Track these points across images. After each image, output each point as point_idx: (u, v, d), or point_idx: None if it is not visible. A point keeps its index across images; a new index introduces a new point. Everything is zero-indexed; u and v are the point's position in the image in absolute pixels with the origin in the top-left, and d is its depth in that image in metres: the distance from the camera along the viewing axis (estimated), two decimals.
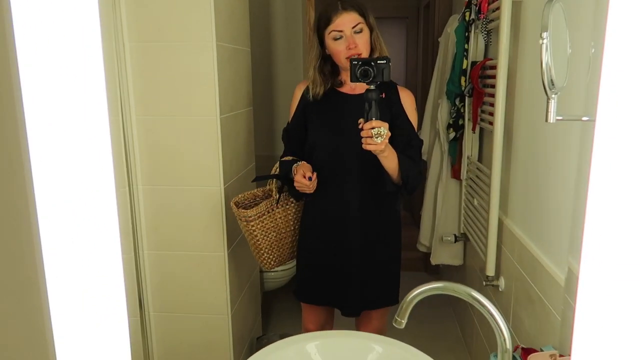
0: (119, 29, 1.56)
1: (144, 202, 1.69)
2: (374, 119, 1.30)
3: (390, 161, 1.41)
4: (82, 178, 0.64)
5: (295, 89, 1.64)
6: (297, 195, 1.57)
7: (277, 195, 1.62)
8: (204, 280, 1.75)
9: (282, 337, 2.21)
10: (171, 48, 1.59)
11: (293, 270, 2.52)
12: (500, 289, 1.73)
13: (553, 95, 0.89)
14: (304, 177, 1.44)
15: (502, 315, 0.72)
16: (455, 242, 2.31)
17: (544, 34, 0.82)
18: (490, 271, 1.75)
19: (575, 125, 1.15)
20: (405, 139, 1.51)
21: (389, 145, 1.36)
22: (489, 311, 0.71)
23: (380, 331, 1.69)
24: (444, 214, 2.39)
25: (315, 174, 1.47)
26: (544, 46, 0.82)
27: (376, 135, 1.29)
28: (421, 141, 1.60)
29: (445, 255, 2.42)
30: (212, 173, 1.67)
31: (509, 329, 0.72)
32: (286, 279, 2.50)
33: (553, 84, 0.88)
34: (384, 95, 1.44)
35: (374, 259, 1.60)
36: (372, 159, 1.39)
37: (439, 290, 0.77)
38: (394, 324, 0.82)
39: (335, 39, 1.46)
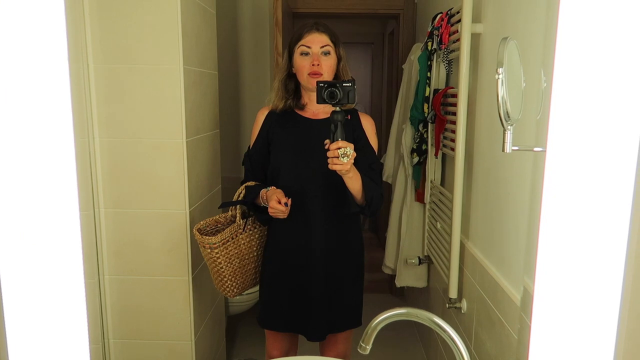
0: (84, 50, 1.55)
1: (105, 225, 1.66)
2: (340, 139, 1.33)
3: (354, 182, 1.43)
4: (45, 202, 0.63)
5: (258, 114, 1.66)
6: (265, 220, 1.58)
7: (242, 221, 1.61)
8: (167, 305, 1.71)
9: None
10: (137, 70, 1.59)
11: (257, 294, 2.50)
12: (462, 311, 1.77)
13: (509, 127, 0.93)
14: (279, 203, 1.44)
15: (462, 339, 0.75)
16: (419, 264, 2.34)
17: (500, 70, 0.86)
18: (453, 293, 1.79)
19: (529, 154, 1.21)
20: (367, 162, 1.54)
21: (354, 166, 1.39)
22: (450, 336, 0.73)
23: (345, 354, 1.69)
24: (408, 237, 2.43)
25: (290, 199, 1.47)
26: (499, 81, 0.87)
27: (342, 155, 1.32)
28: (381, 164, 1.64)
29: (409, 277, 2.45)
30: (177, 196, 1.66)
31: (469, 352, 0.74)
32: (251, 302, 2.47)
33: (509, 116, 0.92)
34: (349, 117, 1.49)
35: (338, 281, 1.60)
36: (336, 181, 1.42)
37: (403, 316, 0.79)
38: (358, 350, 0.84)
39: (302, 54, 1.52)
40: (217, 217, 1.66)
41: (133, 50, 1.57)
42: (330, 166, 1.34)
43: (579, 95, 0.58)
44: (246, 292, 2.32)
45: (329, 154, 1.34)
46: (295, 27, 2.91)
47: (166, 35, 1.57)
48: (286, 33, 2.52)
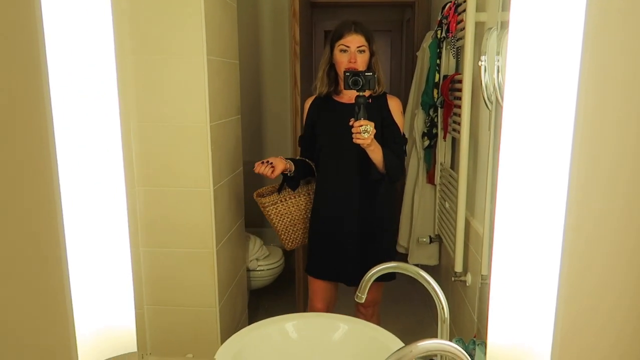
0: (126, 42, 1.71)
1: (138, 202, 1.83)
2: (362, 118, 1.62)
3: (376, 154, 1.72)
4: (96, 180, 0.78)
5: (305, 104, 2.03)
6: (292, 185, 1.98)
7: (281, 187, 2.01)
8: (194, 275, 1.88)
9: None
10: (165, 60, 1.74)
11: (278, 269, 2.67)
12: (467, 284, 1.89)
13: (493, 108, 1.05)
14: (262, 163, 1.84)
15: (441, 289, 0.88)
16: (430, 243, 2.46)
17: (483, 57, 0.98)
18: (458, 267, 1.91)
19: None
20: (391, 137, 1.85)
21: (375, 140, 1.68)
22: (431, 286, 0.86)
23: (376, 301, 2.00)
24: (420, 217, 2.55)
25: (272, 162, 1.85)
26: (482, 67, 0.98)
27: (364, 132, 1.62)
28: (405, 139, 1.91)
29: (421, 255, 2.57)
30: (203, 176, 1.82)
31: (447, 300, 0.87)
32: (271, 278, 2.64)
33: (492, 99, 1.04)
34: (370, 101, 1.77)
35: (370, 236, 1.91)
36: (364, 153, 1.71)
37: (393, 269, 0.93)
38: (355, 299, 0.98)
39: (342, 51, 1.83)
40: (275, 185, 2.06)
41: (160, 42, 1.73)
42: (354, 140, 1.64)
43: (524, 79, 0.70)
44: (267, 267, 2.56)
45: (353, 130, 1.64)
46: (316, 19, 3.04)
47: (191, 28, 1.71)
48: (305, 23, 2.64)
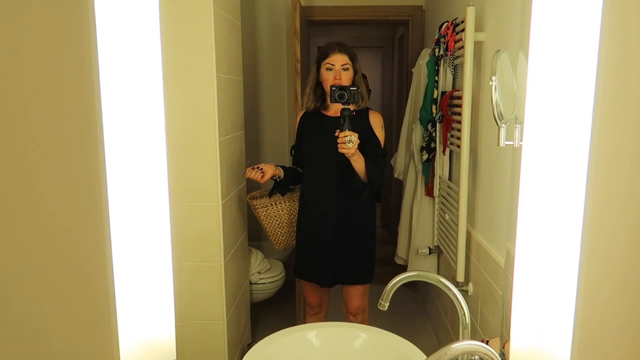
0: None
1: None
2: (347, 130, 1.74)
3: (358, 163, 1.84)
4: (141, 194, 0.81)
5: (297, 117, 2.18)
6: (281, 191, 2.13)
7: (272, 192, 2.17)
8: (202, 288, 1.91)
9: None
10: (176, 79, 1.78)
11: (279, 282, 2.70)
12: (469, 294, 1.94)
13: (502, 125, 1.11)
14: (252, 168, 1.97)
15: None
16: (429, 254, 2.52)
17: (493, 77, 1.04)
18: (460, 277, 1.96)
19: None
20: (371, 148, 1.97)
21: (358, 151, 1.80)
22: (453, 292, 0.90)
23: (362, 308, 2.08)
24: (419, 229, 2.61)
25: (262, 168, 1.99)
26: (493, 87, 1.05)
27: (348, 142, 1.74)
28: (384, 150, 2.03)
29: (421, 266, 2.62)
30: (212, 191, 1.85)
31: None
32: (273, 291, 2.66)
33: (502, 116, 1.10)
34: (355, 113, 1.87)
35: (347, 241, 2.01)
36: (346, 162, 1.82)
37: (415, 277, 0.97)
38: (378, 307, 1.02)
39: (327, 69, 1.97)
40: (267, 189, 2.22)
41: (175, 61, 1.77)
42: (339, 149, 1.76)
43: (547, 98, 0.76)
44: (269, 279, 2.60)
45: (338, 140, 1.75)
46: (310, 34, 3.11)
47: (202, 47, 1.76)
48: (303, 41, 2.71)
